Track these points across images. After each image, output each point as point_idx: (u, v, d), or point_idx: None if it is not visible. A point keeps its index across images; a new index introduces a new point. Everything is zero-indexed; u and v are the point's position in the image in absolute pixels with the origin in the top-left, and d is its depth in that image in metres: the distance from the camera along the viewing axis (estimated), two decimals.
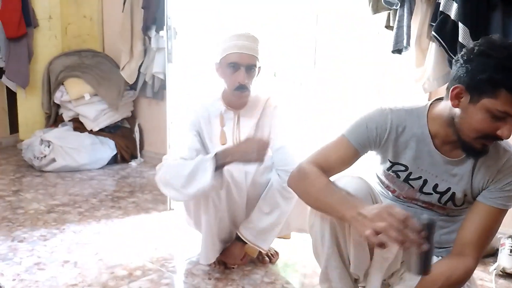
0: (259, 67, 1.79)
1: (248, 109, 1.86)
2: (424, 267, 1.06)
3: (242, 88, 1.74)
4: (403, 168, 1.31)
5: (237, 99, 1.80)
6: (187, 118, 1.85)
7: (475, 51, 1.13)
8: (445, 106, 1.23)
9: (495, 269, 1.89)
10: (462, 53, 1.17)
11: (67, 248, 2.06)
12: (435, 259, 1.33)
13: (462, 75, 1.15)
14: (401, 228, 1.00)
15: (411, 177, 1.31)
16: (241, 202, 1.81)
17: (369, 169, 1.43)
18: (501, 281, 1.86)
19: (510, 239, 1.98)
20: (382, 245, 1.02)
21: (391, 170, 1.33)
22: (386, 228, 1.00)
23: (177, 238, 2.21)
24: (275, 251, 2.00)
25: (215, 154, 1.63)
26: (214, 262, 1.87)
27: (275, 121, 1.86)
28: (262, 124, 1.87)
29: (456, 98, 1.17)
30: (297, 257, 2.01)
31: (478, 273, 1.90)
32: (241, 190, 1.78)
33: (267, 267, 1.91)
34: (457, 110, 1.18)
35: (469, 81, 1.13)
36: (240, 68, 1.72)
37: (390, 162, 1.32)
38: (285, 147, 1.80)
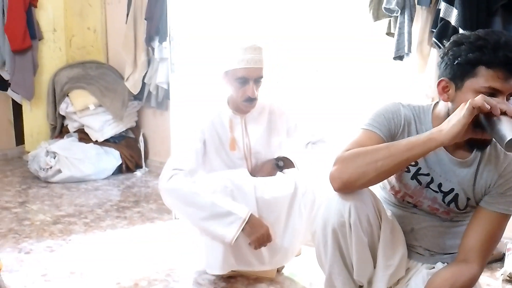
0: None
1: (254, 114, 1.90)
2: None
3: (252, 100, 1.80)
4: (413, 162, 1.30)
5: (246, 108, 1.84)
6: (195, 125, 1.86)
7: (448, 45, 1.20)
8: (442, 105, 1.26)
9: (502, 274, 1.88)
10: (440, 53, 1.24)
11: (73, 259, 2.06)
12: (440, 265, 1.33)
13: (442, 70, 1.21)
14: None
15: (420, 172, 1.30)
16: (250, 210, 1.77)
17: None
18: (509, 286, 1.85)
19: None
20: (485, 108, 1.06)
21: None
22: (482, 97, 1.06)
23: (182, 247, 2.22)
24: None
25: (249, 216, 1.66)
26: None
27: (290, 124, 1.95)
28: (271, 130, 1.93)
29: (444, 92, 1.21)
30: (302, 265, 2.00)
31: (485, 278, 1.89)
32: (247, 199, 1.75)
33: (274, 276, 1.91)
34: (449, 104, 1.21)
35: (449, 71, 1.18)
36: (249, 82, 1.76)
37: None
38: (308, 134, 1.94)
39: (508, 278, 1.87)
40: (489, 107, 1.05)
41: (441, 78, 1.21)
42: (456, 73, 1.17)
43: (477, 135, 1.12)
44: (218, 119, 1.87)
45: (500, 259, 2.01)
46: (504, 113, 1.06)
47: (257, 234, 1.66)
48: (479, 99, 1.07)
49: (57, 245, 2.21)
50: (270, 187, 1.78)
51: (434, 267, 1.34)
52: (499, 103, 1.07)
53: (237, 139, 1.88)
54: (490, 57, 1.10)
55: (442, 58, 1.21)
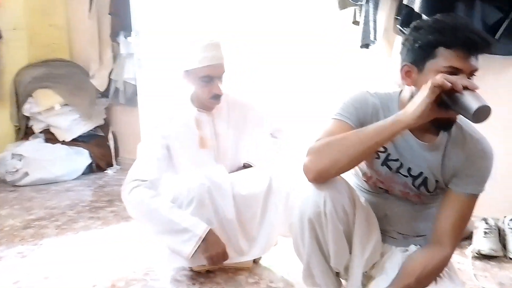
0: None
1: (221, 111, 1.88)
2: (483, 100, 1.07)
3: (218, 98, 1.78)
4: (382, 149, 1.33)
5: (212, 105, 1.82)
6: (155, 130, 1.82)
7: (408, 32, 1.24)
8: (407, 90, 1.29)
9: (471, 252, 1.94)
10: (401, 41, 1.27)
11: (46, 264, 2.01)
12: (413, 248, 1.37)
13: (404, 55, 1.24)
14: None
15: (389, 158, 1.33)
16: (228, 207, 1.77)
17: None
18: (478, 262, 1.92)
19: (483, 221, 2.04)
20: (445, 85, 1.08)
21: None
22: (443, 76, 1.09)
23: (159, 245, 2.19)
24: None
25: (207, 233, 1.66)
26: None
27: (255, 118, 1.92)
28: (238, 127, 1.90)
29: (407, 77, 1.24)
30: (279, 256, 2.02)
31: (455, 256, 1.94)
32: (225, 196, 1.76)
33: (251, 267, 1.92)
34: (413, 88, 1.24)
35: (410, 55, 1.21)
36: (214, 80, 1.74)
37: None
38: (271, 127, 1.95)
39: (476, 254, 1.94)
40: (450, 84, 1.08)
41: (404, 63, 1.24)
42: (417, 56, 1.19)
43: (442, 114, 1.14)
44: (181, 119, 1.84)
45: (469, 237, 2.09)
46: (465, 88, 1.08)
47: (212, 252, 1.68)
48: (439, 77, 1.09)
49: (29, 250, 2.15)
50: (247, 183, 1.79)
51: (407, 250, 1.38)
52: (459, 79, 1.10)
53: (206, 138, 1.85)
54: (449, 37, 1.13)
55: (403, 44, 1.24)
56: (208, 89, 1.75)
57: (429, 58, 1.17)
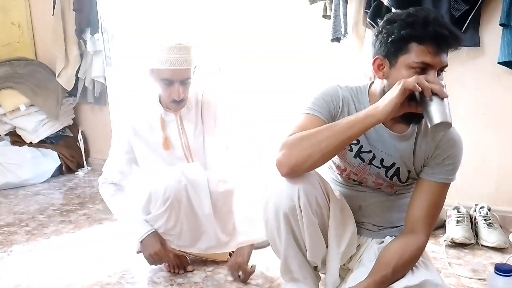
0: (195, 67, 1.75)
1: (190, 109, 1.84)
2: (449, 114, 1.10)
3: (178, 102, 1.73)
4: (355, 141, 1.33)
5: (174, 109, 1.78)
6: (120, 132, 1.84)
7: (381, 24, 1.25)
8: (378, 82, 1.30)
9: (445, 240, 1.99)
10: (374, 32, 1.27)
11: (17, 271, 1.94)
12: (388, 239, 1.39)
13: (377, 48, 1.25)
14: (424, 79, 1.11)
15: (362, 150, 1.34)
16: (205, 203, 1.75)
17: None
18: (452, 251, 1.96)
19: (455, 210, 2.09)
20: (415, 90, 1.10)
21: None
22: (416, 79, 1.10)
23: (134, 247, 2.15)
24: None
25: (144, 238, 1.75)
26: (173, 266, 1.85)
27: (216, 115, 1.85)
28: (204, 125, 1.86)
29: (379, 70, 1.25)
30: (257, 251, 2.01)
31: (429, 245, 1.98)
32: (202, 193, 1.74)
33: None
34: (385, 81, 1.25)
35: (383, 49, 1.22)
36: (174, 84, 1.68)
37: None
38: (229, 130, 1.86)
39: (450, 243, 1.99)
40: (420, 89, 1.10)
41: (376, 56, 1.24)
42: (390, 50, 1.20)
43: (412, 109, 1.16)
44: (147, 119, 1.81)
45: (442, 225, 2.13)
46: (435, 94, 1.10)
47: (149, 251, 1.76)
48: (411, 81, 1.11)
49: None
50: (223, 180, 1.78)
51: (383, 241, 1.40)
52: (431, 83, 1.11)
53: (173, 138, 1.82)
54: (421, 32, 1.15)
55: (376, 36, 1.24)
56: (169, 91, 1.70)
57: (402, 53, 1.18)
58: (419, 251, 1.31)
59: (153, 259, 1.77)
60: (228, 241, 1.84)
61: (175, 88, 1.68)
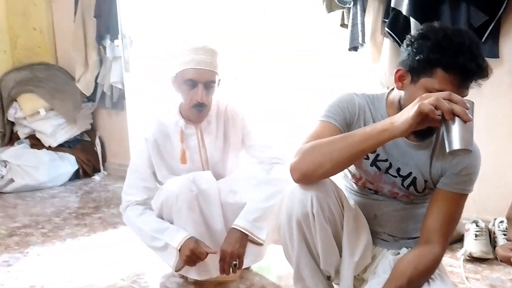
0: (219, 80, 1.70)
1: (210, 122, 1.77)
2: (469, 140, 1.03)
3: (200, 106, 1.66)
4: None
5: (195, 116, 1.70)
6: (140, 146, 1.75)
7: (416, 35, 1.21)
8: (396, 92, 1.29)
9: (462, 255, 1.95)
10: (406, 39, 1.24)
11: (32, 272, 1.97)
12: (404, 250, 1.37)
13: (404, 58, 1.22)
14: (447, 99, 1.04)
15: (378, 158, 1.33)
16: (216, 216, 1.72)
17: None
18: (469, 265, 1.92)
19: (474, 224, 2.05)
20: (433, 114, 1.04)
21: None
22: (436, 100, 1.03)
23: (148, 252, 2.15)
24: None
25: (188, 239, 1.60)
26: (185, 277, 1.83)
27: (245, 130, 1.79)
28: (227, 139, 1.80)
29: (399, 80, 1.24)
30: (270, 260, 2.00)
31: (446, 259, 1.95)
32: (212, 204, 1.70)
33: (242, 274, 1.90)
34: (402, 93, 1.24)
35: (409, 63, 1.20)
36: (197, 85, 1.62)
37: None
38: (262, 144, 1.79)
39: (468, 257, 1.94)
40: (437, 113, 1.04)
41: (400, 68, 1.23)
42: (415, 67, 1.18)
43: (435, 124, 1.10)
44: (162, 134, 1.74)
45: (460, 239, 2.09)
46: (457, 115, 1.04)
47: (185, 253, 1.59)
48: (429, 102, 1.04)
49: (14, 259, 2.10)
50: (233, 191, 1.74)
51: (399, 253, 1.37)
52: (455, 103, 1.04)
53: (193, 151, 1.76)
54: (450, 61, 1.12)
55: (407, 46, 1.21)
56: (191, 95, 1.63)
57: (425, 74, 1.16)
58: (435, 263, 1.29)
59: (190, 258, 1.60)
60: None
61: (198, 90, 1.62)
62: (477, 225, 2.03)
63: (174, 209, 1.66)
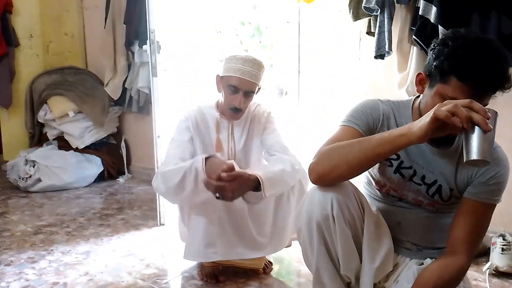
0: (259, 88, 1.86)
1: (240, 120, 1.92)
2: (488, 150, 1.00)
3: (237, 110, 1.83)
4: (395, 156, 1.31)
5: (230, 116, 1.87)
6: (183, 120, 1.89)
7: (439, 40, 1.20)
8: (421, 96, 1.28)
9: (488, 269, 1.89)
10: (431, 43, 1.24)
11: (55, 269, 2.01)
12: (429, 261, 1.33)
13: (426, 63, 1.23)
14: (467, 107, 1.01)
15: (402, 165, 1.31)
16: (240, 209, 1.77)
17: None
18: (495, 280, 1.87)
19: (501, 237, 1.99)
20: (449, 121, 1.01)
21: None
22: (454, 107, 1.01)
23: (168, 253, 2.18)
24: (269, 261, 1.98)
25: (206, 160, 1.64)
26: (206, 275, 1.85)
27: (265, 125, 1.93)
28: (251, 134, 1.93)
29: (419, 84, 1.24)
30: (291, 266, 1.99)
31: (471, 273, 1.90)
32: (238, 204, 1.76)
33: (261, 278, 1.89)
34: (421, 96, 1.25)
35: (428, 68, 1.20)
36: (239, 92, 1.80)
37: None
38: (280, 143, 1.89)
39: (494, 272, 1.89)
40: (453, 119, 1.02)
41: (421, 71, 1.23)
42: (432, 73, 1.19)
43: (457, 130, 1.06)
44: (203, 118, 1.90)
45: (485, 253, 2.03)
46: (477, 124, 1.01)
47: (213, 170, 1.59)
48: (446, 108, 1.02)
49: (39, 256, 2.15)
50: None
51: (423, 263, 1.34)
52: (476, 111, 1.01)
53: (223, 142, 1.90)
54: (463, 70, 1.11)
55: (430, 50, 1.22)
56: (231, 98, 1.81)
57: (441, 80, 1.16)
58: (460, 274, 1.25)
59: (211, 168, 1.62)
60: (264, 244, 1.82)
61: (238, 96, 1.80)
62: (504, 239, 1.97)
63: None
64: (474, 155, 1.01)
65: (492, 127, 1.01)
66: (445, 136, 1.11)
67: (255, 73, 1.80)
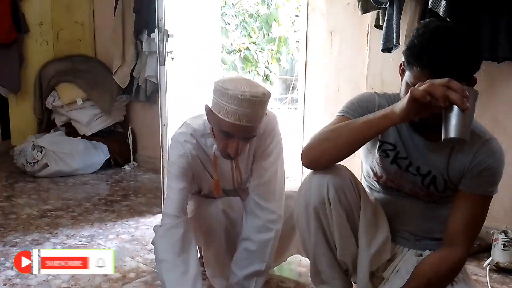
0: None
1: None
2: (465, 129, 1.02)
3: (231, 157, 1.44)
4: (391, 147, 1.32)
5: (225, 159, 1.50)
6: (180, 156, 1.52)
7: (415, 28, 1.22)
8: None
9: (489, 264, 1.89)
10: None
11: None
12: (427, 252, 1.34)
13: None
14: (444, 86, 1.02)
15: (399, 155, 1.32)
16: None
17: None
18: (495, 275, 1.87)
19: (503, 234, 1.99)
20: (424, 100, 1.03)
21: (380, 150, 1.34)
22: (429, 86, 1.03)
23: None
24: None
25: None
26: None
27: (269, 148, 1.59)
28: (255, 154, 1.61)
29: (402, 74, 1.25)
30: (291, 256, 2.00)
31: (472, 268, 1.91)
32: (239, 233, 1.68)
33: None
34: None
35: (403, 56, 1.21)
36: (233, 138, 1.39)
37: (380, 141, 1.34)
38: (267, 181, 1.59)
39: (494, 267, 1.89)
40: (428, 98, 1.03)
41: (402, 61, 1.24)
42: (404, 61, 1.20)
43: (438, 110, 1.07)
44: (200, 155, 1.56)
45: (487, 249, 2.03)
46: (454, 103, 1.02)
47: None
48: (422, 88, 1.04)
49: (44, 238, 2.18)
50: (264, 227, 1.61)
51: (422, 254, 1.35)
52: (454, 90, 1.01)
53: (226, 173, 1.62)
54: (421, 58, 1.11)
55: None
56: (225, 143, 1.41)
57: (407, 68, 1.18)
58: (458, 265, 1.26)
59: None
60: None
61: (233, 143, 1.39)
62: (506, 235, 1.97)
63: (203, 235, 1.70)
64: (451, 133, 1.03)
65: (470, 106, 1.02)
66: (435, 122, 1.12)
67: (254, 115, 1.35)
